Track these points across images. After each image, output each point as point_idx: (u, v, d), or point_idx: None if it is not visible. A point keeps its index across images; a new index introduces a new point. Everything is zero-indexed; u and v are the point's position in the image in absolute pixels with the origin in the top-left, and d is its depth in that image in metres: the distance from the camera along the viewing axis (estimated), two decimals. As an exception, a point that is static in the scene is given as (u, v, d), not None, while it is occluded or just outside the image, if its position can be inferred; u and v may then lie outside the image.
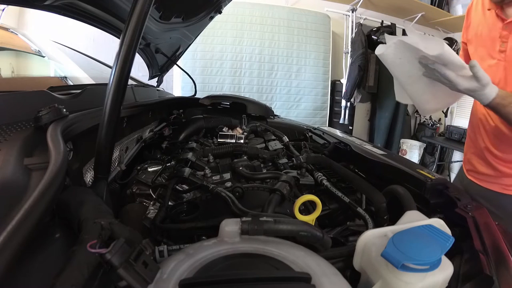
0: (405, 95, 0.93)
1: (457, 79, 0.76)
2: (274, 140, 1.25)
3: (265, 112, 1.54)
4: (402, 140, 3.61)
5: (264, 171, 0.95)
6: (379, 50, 0.86)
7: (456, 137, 3.31)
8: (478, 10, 0.99)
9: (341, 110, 3.47)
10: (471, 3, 1.04)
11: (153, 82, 1.92)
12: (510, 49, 0.88)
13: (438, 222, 0.50)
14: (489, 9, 0.94)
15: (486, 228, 0.59)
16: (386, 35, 0.86)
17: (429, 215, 0.59)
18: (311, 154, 1.06)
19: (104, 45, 2.37)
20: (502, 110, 0.80)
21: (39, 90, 0.69)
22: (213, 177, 0.85)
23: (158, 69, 1.88)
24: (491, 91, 0.78)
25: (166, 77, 2.05)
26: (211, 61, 3.13)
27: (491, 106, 0.80)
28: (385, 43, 0.87)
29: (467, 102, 0.85)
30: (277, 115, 1.71)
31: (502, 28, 0.89)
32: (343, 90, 3.39)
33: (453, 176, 3.76)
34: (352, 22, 3.41)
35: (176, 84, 3.19)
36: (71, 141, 0.60)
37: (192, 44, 1.83)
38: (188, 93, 2.56)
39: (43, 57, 1.37)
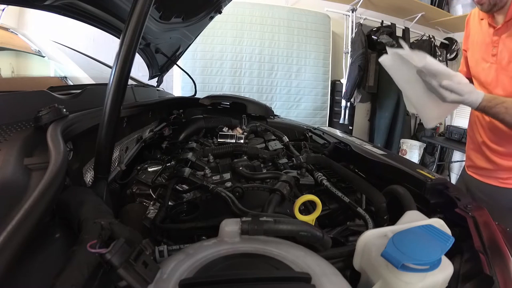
0: (410, 104, 1.01)
1: (443, 92, 0.85)
2: (274, 140, 1.25)
3: (265, 112, 1.54)
4: (402, 140, 3.61)
5: (264, 171, 0.95)
6: (381, 59, 0.94)
7: (456, 137, 3.31)
8: (475, 20, 1.10)
9: (341, 110, 3.47)
10: (469, 14, 1.15)
11: (153, 82, 1.92)
12: (500, 53, 0.99)
13: (438, 222, 0.50)
14: (482, 19, 1.05)
15: (486, 228, 0.59)
16: (387, 48, 0.94)
17: (429, 215, 0.59)
18: (311, 154, 1.06)
19: (104, 45, 2.37)
20: (490, 111, 0.90)
21: (39, 90, 0.69)
22: (213, 177, 0.85)
23: (158, 69, 1.88)
24: (477, 98, 0.88)
25: (166, 77, 2.05)
26: (211, 61, 3.13)
27: (479, 109, 0.90)
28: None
29: (467, 103, 0.92)
30: (277, 115, 1.71)
31: (493, 34, 1.00)
32: (343, 90, 3.39)
33: (453, 176, 3.76)
34: (352, 22, 3.41)
35: (176, 84, 3.19)
36: (71, 141, 0.60)
37: (192, 44, 1.83)
38: (188, 93, 2.56)
39: (43, 57, 1.37)
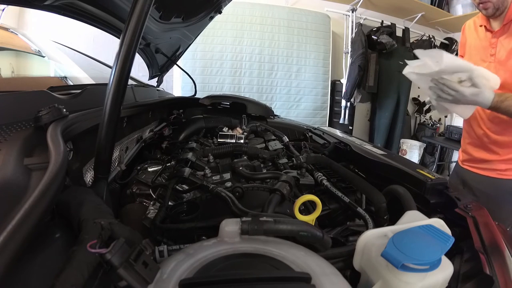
0: (442, 107, 1.07)
1: (462, 88, 0.93)
2: (274, 140, 1.25)
3: (265, 112, 1.55)
4: (402, 140, 3.61)
5: (264, 171, 0.95)
6: (405, 72, 1.03)
7: (456, 137, 3.31)
8: (470, 29, 1.25)
9: (341, 110, 3.47)
10: (464, 25, 1.30)
11: (153, 82, 1.92)
12: (498, 52, 1.10)
13: (438, 222, 0.50)
14: (480, 26, 1.18)
15: (486, 228, 0.59)
16: (407, 62, 1.02)
17: (429, 215, 0.59)
18: (311, 154, 1.06)
19: (104, 45, 2.36)
20: (502, 106, 0.97)
21: (39, 90, 0.69)
22: (213, 177, 0.85)
23: (158, 69, 1.88)
24: (490, 93, 0.96)
25: (166, 77, 2.05)
26: (211, 61, 3.13)
27: (493, 106, 0.97)
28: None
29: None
30: (277, 115, 1.71)
31: (491, 37, 1.13)
32: (343, 90, 3.39)
33: (453, 176, 3.75)
34: (352, 22, 3.41)
35: (176, 84, 3.19)
36: (71, 141, 0.60)
37: (192, 44, 1.84)
38: (188, 93, 2.56)
39: (43, 57, 1.37)
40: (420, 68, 0.96)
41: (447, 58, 0.90)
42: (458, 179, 1.33)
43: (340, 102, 3.47)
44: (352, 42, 3.37)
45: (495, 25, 1.12)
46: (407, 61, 1.02)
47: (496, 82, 0.97)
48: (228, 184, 0.78)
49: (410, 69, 1.00)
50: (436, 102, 1.07)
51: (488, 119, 1.16)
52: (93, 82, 1.31)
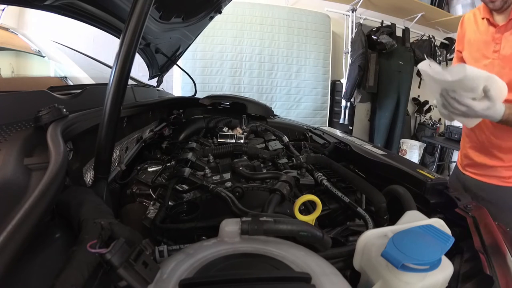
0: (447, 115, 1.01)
1: (473, 103, 0.87)
2: (274, 140, 1.25)
3: (265, 112, 1.55)
4: (402, 140, 3.61)
5: (264, 171, 0.95)
6: (420, 65, 0.95)
7: (456, 137, 3.31)
8: (470, 21, 1.16)
9: (341, 110, 3.48)
10: (463, 17, 1.21)
11: (153, 82, 1.92)
12: (502, 48, 1.04)
13: (438, 222, 0.50)
14: (483, 18, 1.10)
15: (486, 228, 0.59)
16: (427, 58, 0.93)
17: (429, 215, 0.59)
18: (311, 154, 1.06)
19: (104, 45, 2.36)
20: None
21: (39, 90, 0.69)
22: (213, 177, 0.85)
23: (158, 69, 1.88)
24: (501, 106, 0.89)
25: (166, 77, 2.05)
26: (211, 61, 3.13)
27: (504, 119, 0.90)
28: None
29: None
30: (277, 115, 1.71)
31: (495, 32, 1.05)
32: (343, 90, 3.39)
33: (453, 176, 3.75)
34: (352, 22, 3.41)
35: (176, 84, 3.19)
36: (71, 141, 0.60)
37: (192, 44, 1.84)
38: (188, 93, 2.56)
39: (43, 57, 1.37)
40: (437, 74, 0.89)
41: (470, 68, 0.83)
42: (459, 184, 1.27)
43: (340, 102, 3.48)
44: (352, 42, 3.38)
45: (499, 19, 1.05)
46: (426, 56, 0.95)
47: (505, 91, 0.90)
48: (228, 184, 0.78)
49: (426, 67, 0.91)
50: (442, 109, 1.00)
51: (490, 123, 1.09)
52: (93, 82, 1.31)
